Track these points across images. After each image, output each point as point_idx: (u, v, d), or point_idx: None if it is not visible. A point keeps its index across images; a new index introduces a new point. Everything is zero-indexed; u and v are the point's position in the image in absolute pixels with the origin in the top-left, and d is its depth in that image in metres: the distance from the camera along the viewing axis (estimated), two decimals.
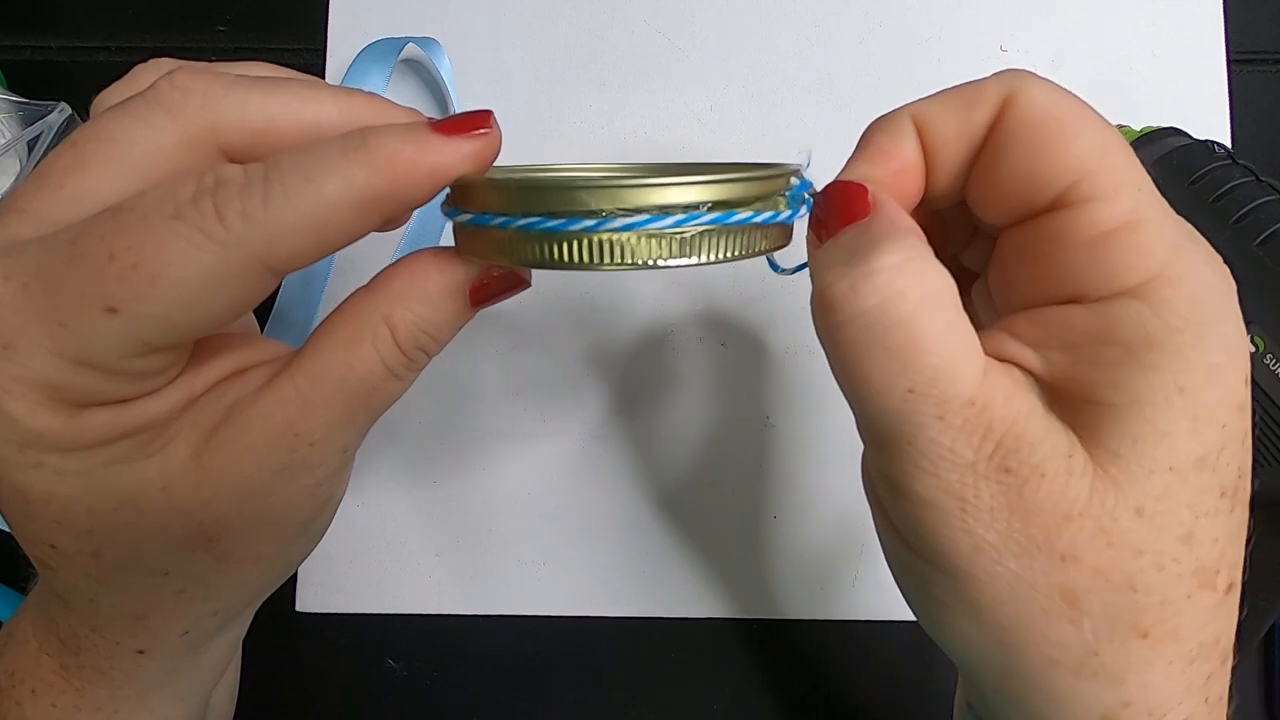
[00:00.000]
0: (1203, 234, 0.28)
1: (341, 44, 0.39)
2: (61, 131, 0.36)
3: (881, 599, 0.35)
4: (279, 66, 0.23)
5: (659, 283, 0.37)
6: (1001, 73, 0.19)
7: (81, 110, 0.37)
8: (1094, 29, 0.39)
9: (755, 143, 0.38)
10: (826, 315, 0.18)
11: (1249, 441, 0.18)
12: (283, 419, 0.19)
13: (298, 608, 0.36)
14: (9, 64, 0.39)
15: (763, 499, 0.36)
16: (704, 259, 0.19)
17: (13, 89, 0.38)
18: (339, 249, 0.19)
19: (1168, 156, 0.31)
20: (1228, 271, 0.18)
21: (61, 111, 0.36)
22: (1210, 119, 0.38)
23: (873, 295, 0.17)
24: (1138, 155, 0.34)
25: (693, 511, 0.36)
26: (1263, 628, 0.29)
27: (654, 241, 0.18)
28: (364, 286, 0.20)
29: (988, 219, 0.20)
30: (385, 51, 0.38)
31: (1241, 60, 0.39)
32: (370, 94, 0.21)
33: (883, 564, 0.25)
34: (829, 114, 0.38)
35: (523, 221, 0.19)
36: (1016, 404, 0.17)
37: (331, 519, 0.24)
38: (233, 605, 0.22)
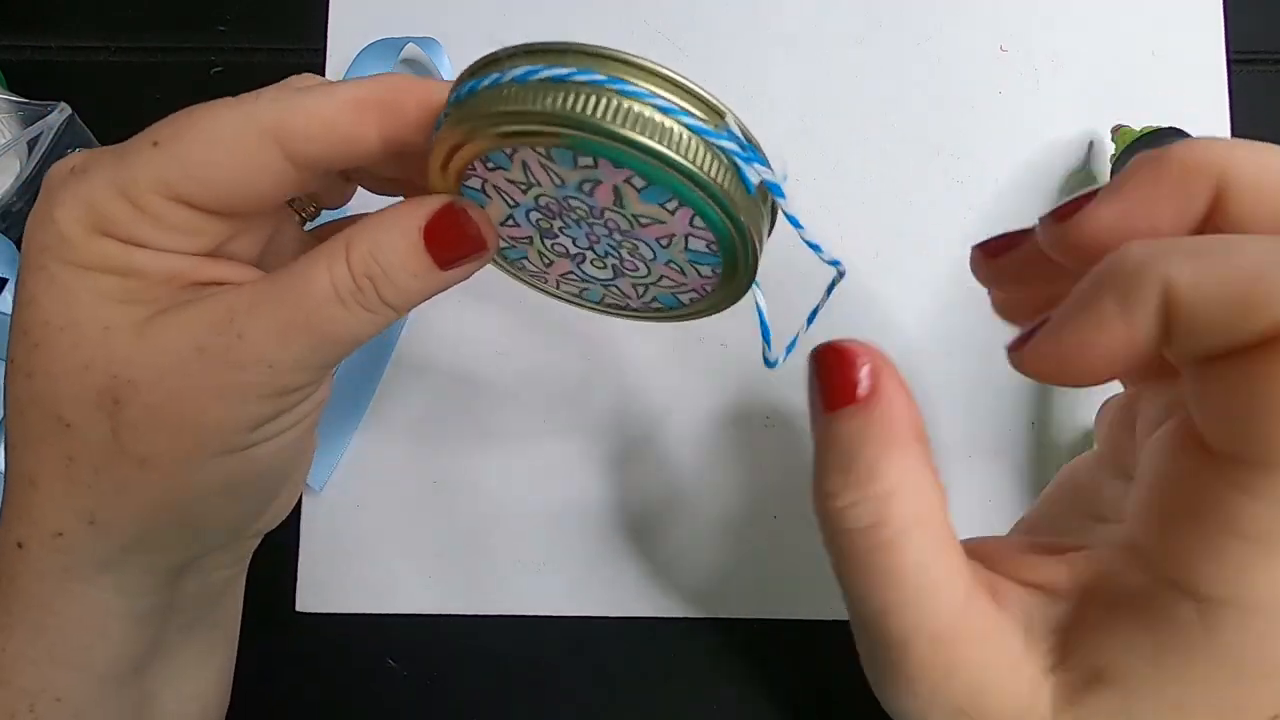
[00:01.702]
0: None
1: (341, 44, 0.39)
2: (61, 131, 0.36)
3: None
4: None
5: None
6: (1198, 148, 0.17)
7: (82, 110, 0.37)
8: (1094, 29, 0.39)
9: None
10: (820, 520, 0.18)
11: None
12: (226, 305, 0.21)
13: (298, 608, 0.36)
14: (9, 64, 0.39)
15: (763, 499, 0.36)
16: (691, 159, 0.19)
17: (13, 89, 0.38)
18: (347, 155, 0.21)
19: None
20: None
21: (61, 111, 0.36)
22: (1210, 119, 0.38)
23: (862, 520, 0.17)
24: (1137, 155, 0.34)
25: (693, 511, 0.36)
26: None
27: (659, 119, 0.19)
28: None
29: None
30: (385, 51, 0.38)
31: (1241, 60, 0.39)
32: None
33: None
34: (829, 114, 0.38)
35: (538, 70, 0.19)
36: (987, 645, 0.17)
37: (269, 498, 0.24)
38: (110, 516, 0.22)
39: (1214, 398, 0.16)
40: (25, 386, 0.21)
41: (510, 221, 0.23)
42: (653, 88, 0.19)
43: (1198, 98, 0.38)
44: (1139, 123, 0.35)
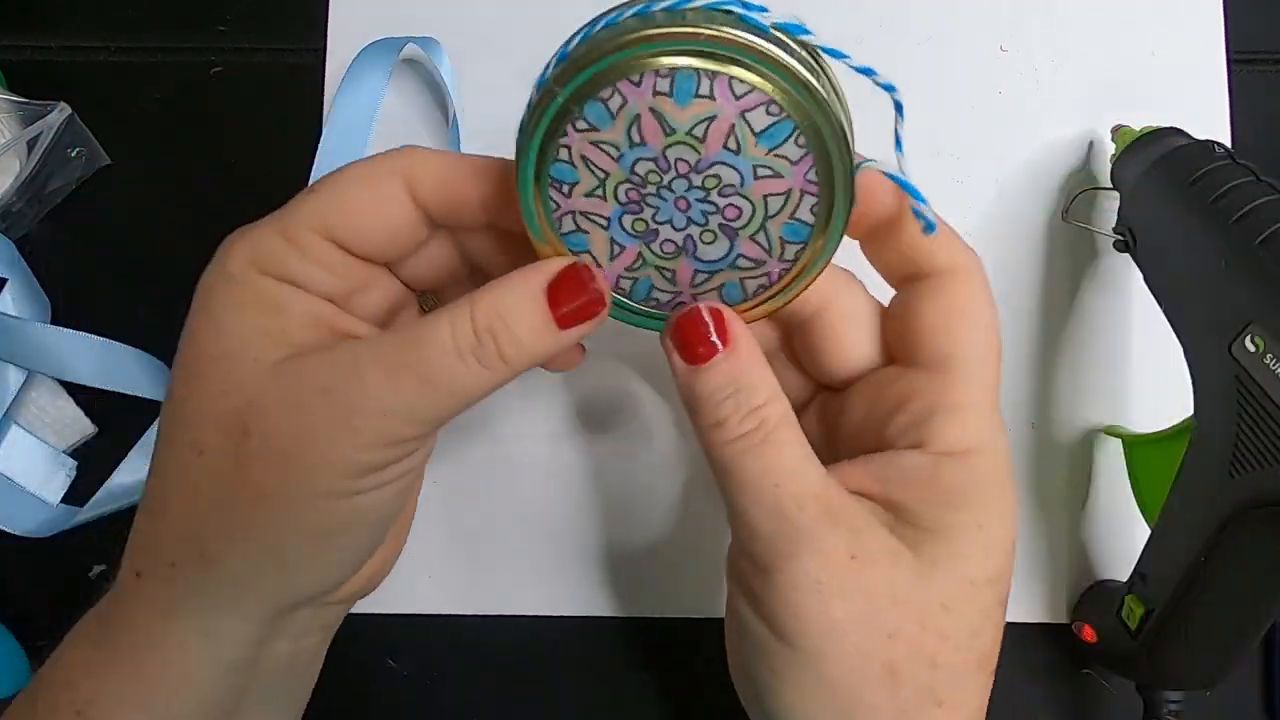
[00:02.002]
0: (1202, 234, 0.28)
1: (341, 44, 0.39)
2: (61, 131, 0.36)
3: None
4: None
5: None
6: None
7: (82, 110, 0.37)
8: (1094, 29, 0.39)
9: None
10: (715, 433, 0.23)
11: (1014, 554, 0.24)
12: (352, 352, 0.22)
13: None
14: (9, 64, 0.39)
15: None
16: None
17: (13, 89, 0.38)
18: (456, 205, 0.24)
19: (1168, 156, 0.31)
20: (1007, 442, 0.24)
21: (61, 111, 0.36)
22: (1210, 119, 0.38)
23: (750, 422, 0.23)
24: (1138, 155, 0.34)
25: (693, 511, 0.36)
26: (1263, 628, 0.29)
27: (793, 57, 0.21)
28: None
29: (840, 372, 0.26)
30: (385, 51, 0.38)
31: (1241, 60, 0.39)
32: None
33: None
34: None
35: None
36: (856, 505, 0.23)
37: (364, 555, 0.25)
38: (220, 551, 0.22)
39: (913, 313, 0.25)
40: (175, 413, 0.23)
41: (597, 193, 0.22)
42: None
43: (1198, 98, 0.38)
44: (1139, 123, 0.34)
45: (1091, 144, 0.38)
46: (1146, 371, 0.37)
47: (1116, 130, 0.35)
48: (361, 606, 0.36)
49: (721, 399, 0.23)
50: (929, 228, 0.24)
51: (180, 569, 0.22)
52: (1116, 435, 0.36)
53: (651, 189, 0.22)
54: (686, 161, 0.21)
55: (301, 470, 0.21)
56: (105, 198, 0.38)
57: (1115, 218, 0.34)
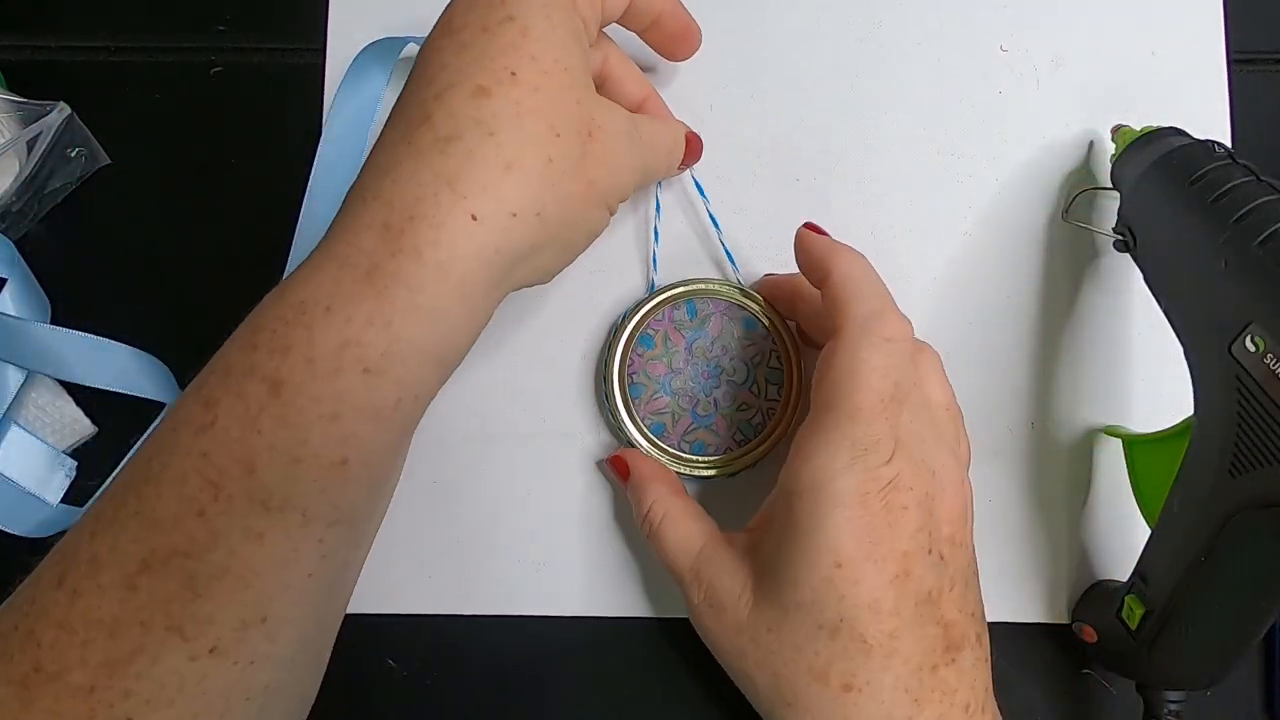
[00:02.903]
0: (1203, 234, 0.28)
1: (341, 44, 0.39)
2: (61, 131, 0.36)
3: None
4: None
5: (661, 283, 0.37)
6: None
7: (82, 110, 0.37)
8: (1094, 29, 0.39)
9: (755, 142, 0.38)
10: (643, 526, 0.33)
11: (832, 587, 0.27)
12: (629, 116, 0.31)
13: None
14: (9, 64, 0.39)
15: (763, 499, 0.36)
16: None
17: (13, 89, 0.38)
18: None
19: (1168, 156, 0.31)
20: (844, 488, 0.27)
21: (61, 111, 0.36)
22: (1210, 119, 0.38)
23: (647, 524, 0.33)
24: (1138, 155, 0.34)
25: None
26: (1263, 628, 0.29)
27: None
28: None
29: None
30: (385, 52, 0.38)
31: (1241, 60, 0.39)
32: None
33: None
34: (829, 114, 0.38)
35: None
36: (713, 567, 0.30)
37: None
38: (551, 214, 0.26)
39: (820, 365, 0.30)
40: (530, 98, 0.26)
41: (658, 396, 0.35)
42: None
43: (1198, 98, 0.38)
44: (1139, 123, 0.34)
45: (1091, 144, 0.38)
46: (1146, 371, 0.37)
47: (1116, 130, 0.35)
48: (361, 606, 0.36)
49: (637, 510, 0.33)
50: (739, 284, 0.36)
51: (519, 221, 0.25)
52: (1116, 435, 0.36)
53: (681, 373, 0.35)
54: (700, 344, 0.36)
55: (610, 182, 0.28)
56: (105, 198, 0.38)
57: (1115, 218, 0.34)
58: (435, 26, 0.27)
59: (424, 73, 0.26)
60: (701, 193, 0.37)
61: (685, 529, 0.31)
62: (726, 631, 0.29)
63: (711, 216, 0.37)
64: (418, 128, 0.25)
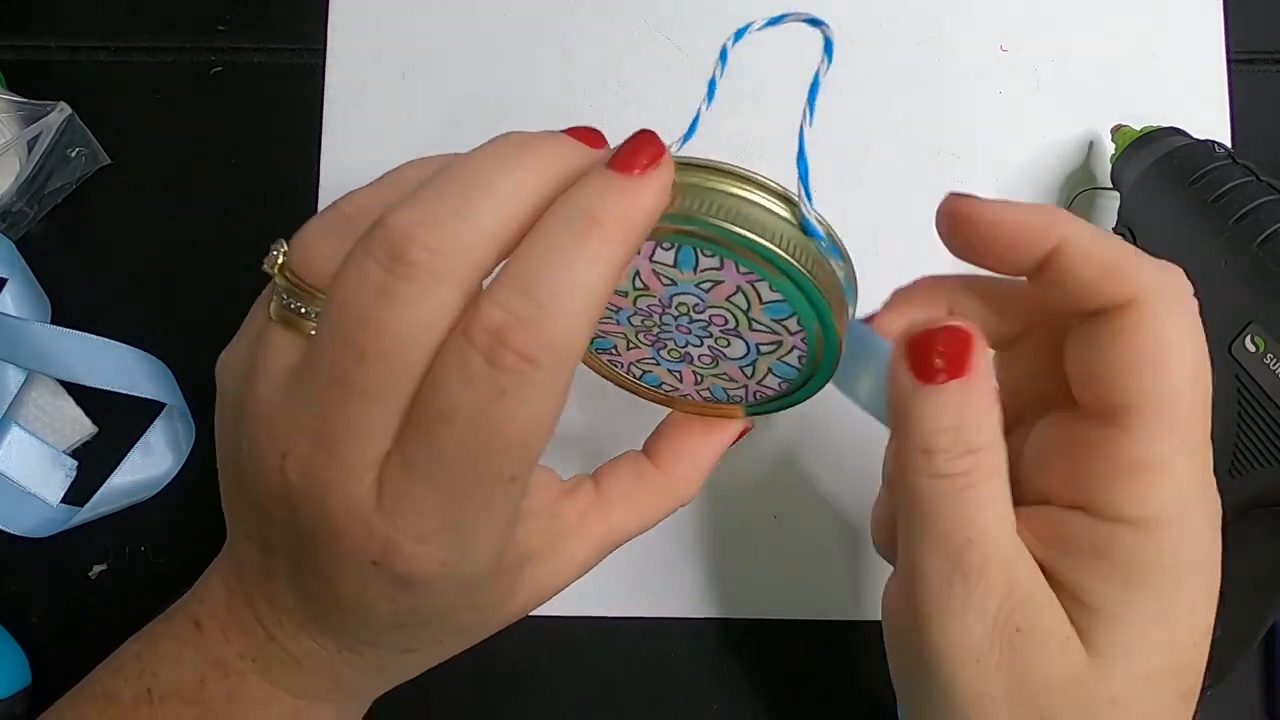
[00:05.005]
0: (1202, 234, 0.28)
1: (341, 44, 0.39)
2: (61, 131, 0.36)
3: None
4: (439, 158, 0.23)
5: None
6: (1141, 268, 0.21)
7: (82, 110, 0.37)
8: (1094, 29, 0.39)
9: (755, 143, 0.38)
10: (919, 460, 0.21)
11: (1207, 644, 0.21)
12: (583, 557, 0.25)
13: None
14: (9, 64, 0.39)
15: (763, 499, 0.36)
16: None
17: (13, 89, 0.38)
18: None
19: (1168, 156, 0.31)
20: (1218, 511, 0.21)
21: (61, 111, 0.36)
22: (1210, 119, 0.38)
23: (962, 464, 0.20)
24: (1138, 155, 0.34)
25: (692, 511, 0.36)
26: (1263, 628, 0.29)
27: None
28: (656, 463, 0.26)
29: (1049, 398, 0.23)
30: None
31: (1241, 60, 0.39)
32: (551, 136, 0.21)
33: (881, 563, 0.25)
34: (829, 114, 0.38)
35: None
36: (1036, 575, 0.21)
37: None
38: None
39: (1087, 354, 0.21)
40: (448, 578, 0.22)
41: (608, 321, 0.25)
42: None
43: (1198, 98, 0.38)
44: (1139, 123, 0.34)
45: (1091, 144, 0.38)
46: None
47: (1116, 130, 0.35)
48: None
49: (939, 428, 0.20)
50: (810, 231, 0.22)
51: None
52: None
53: (656, 315, 0.24)
54: (695, 300, 0.23)
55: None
56: (105, 198, 0.38)
57: (1115, 218, 0.34)
58: None
59: None
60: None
61: (1009, 501, 0.21)
62: (1033, 678, 0.20)
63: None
64: None
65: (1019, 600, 0.20)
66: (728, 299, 0.22)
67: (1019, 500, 0.21)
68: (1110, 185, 0.35)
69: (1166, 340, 0.20)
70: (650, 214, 0.19)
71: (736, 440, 0.27)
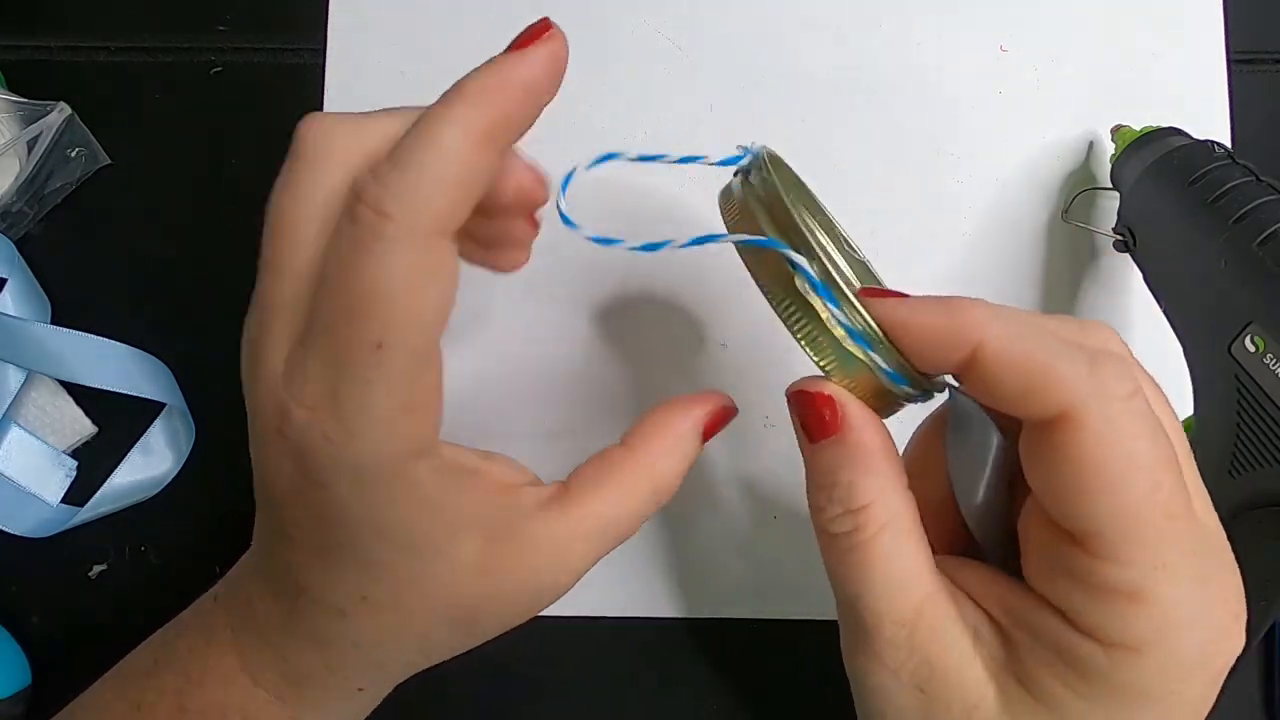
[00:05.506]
0: (1203, 234, 0.28)
1: (341, 44, 0.39)
2: (61, 131, 0.36)
3: None
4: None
5: (659, 284, 0.37)
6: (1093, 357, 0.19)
7: (82, 110, 0.37)
8: (1094, 29, 0.39)
9: (753, 143, 0.38)
10: (814, 516, 0.22)
11: None
12: (553, 549, 0.23)
13: None
14: (9, 64, 0.39)
15: (763, 499, 0.36)
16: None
17: (13, 89, 0.38)
18: (484, 191, 0.22)
19: (1168, 156, 0.31)
20: (1237, 631, 0.20)
21: (61, 111, 0.36)
22: (1210, 119, 0.38)
23: (845, 524, 0.21)
24: (1138, 155, 0.34)
25: (692, 511, 0.36)
26: (1263, 628, 0.29)
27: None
28: (623, 446, 0.25)
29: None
30: None
31: (1241, 60, 0.39)
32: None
33: None
34: (829, 114, 0.38)
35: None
36: (943, 637, 0.20)
37: None
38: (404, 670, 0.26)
39: (1036, 465, 0.19)
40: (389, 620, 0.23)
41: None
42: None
43: (1198, 98, 0.38)
44: (1139, 123, 0.34)
45: (1091, 144, 0.38)
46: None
47: (1116, 130, 0.35)
48: None
49: (820, 485, 0.21)
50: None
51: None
52: None
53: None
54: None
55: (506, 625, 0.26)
56: (105, 198, 0.38)
57: (1115, 218, 0.34)
58: None
59: None
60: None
61: (912, 560, 0.21)
62: None
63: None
64: None
65: (920, 661, 0.20)
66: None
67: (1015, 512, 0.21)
68: (1110, 185, 0.35)
69: (1110, 454, 0.18)
70: (517, 84, 0.21)
71: (717, 423, 0.25)
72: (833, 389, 0.21)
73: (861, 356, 0.21)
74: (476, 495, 0.23)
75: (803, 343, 0.22)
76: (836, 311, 0.21)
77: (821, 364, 0.22)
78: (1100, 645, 0.19)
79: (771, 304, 0.22)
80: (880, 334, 0.21)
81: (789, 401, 0.22)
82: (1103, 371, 0.18)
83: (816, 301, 0.21)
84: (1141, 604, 0.18)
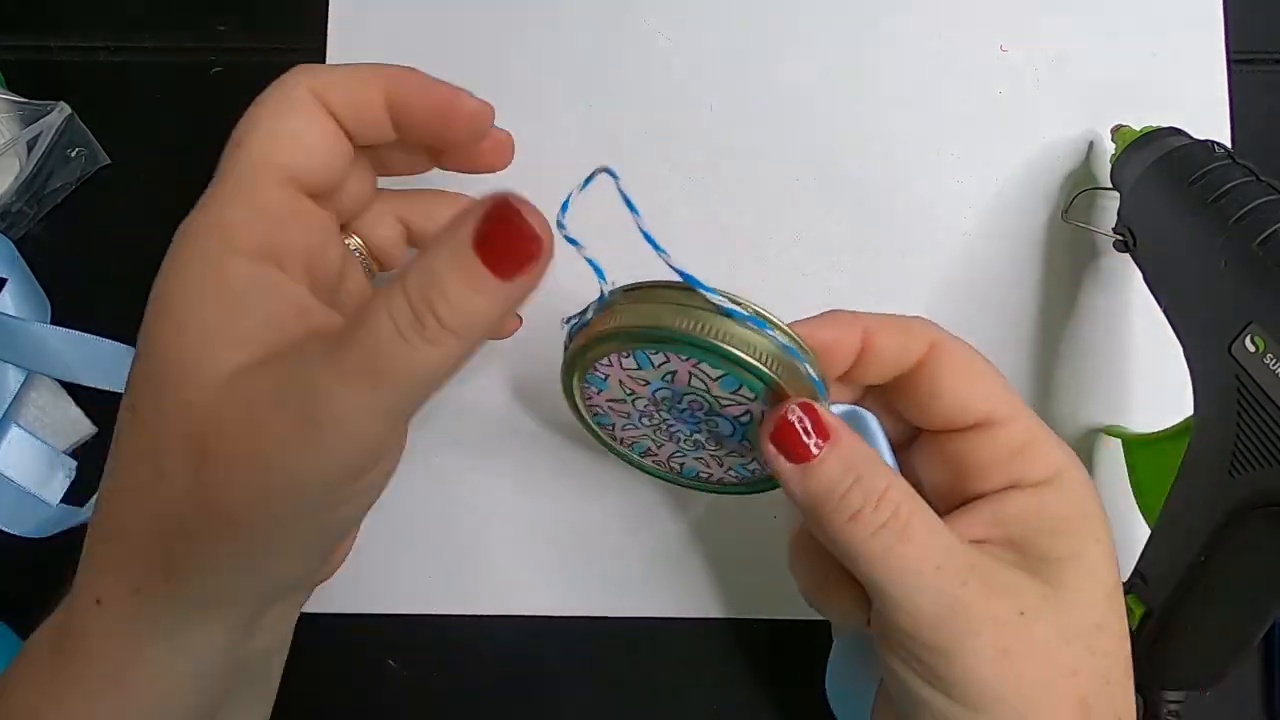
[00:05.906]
0: (1202, 234, 0.28)
1: (341, 44, 0.39)
2: (61, 131, 0.36)
3: None
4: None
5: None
6: (921, 322, 0.25)
7: (82, 110, 0.37)
8: (1094, 29, 0.39)
9: (754, 143, 0.38)
10: (852, 528, 0.22)
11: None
12: (301, 356, 0.20)
13: None
14: (9, 64, 0.39)
15: (763, 499, 0.36)
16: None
17: (13, 89, 0.38)
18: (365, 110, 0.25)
19: (1168, 156, 0.31)
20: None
21: (61, 111, 0.36)
22: (1210, 119, 0.38)
23: (885, 509, 0.22)
24: (1138, 155, 0.34)
25: (693, 511, 0.36)
26: (1263, 628, 0.29)
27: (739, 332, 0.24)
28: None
29: (920, 424, 0.26)
30: None
31: (1241, 60, 0.39)
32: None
33: None
34: (828, 114, 0.38)
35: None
36: (997, 562, 0.23)
37: (336, 548, 0.26)
38: (188, 573, 0.21)
39: (932, 403, 0.25)
40: (132, 429, 0.21)
41: (630, 427, 0.29)
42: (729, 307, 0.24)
43: (1198, 98, 0.38)
44: (1139, 123, 0.34)
45: (1091, 144, 0.38)
46: (1146, 371, 0.37)
47: (1116, 130, 0.35)
48: (362, 606, 0.36)
49: (843, 490, 0.22)
50: (727, 312, 0.24)
51: (145, 594, 0.21)
52: (1116, 435, 0.36)
53: (661, 411, 0.27)
54: (668, 398, 0.26)
55: (269, 494, 0.20)
56: (105, 198, 0.38)
57: (1115, 218, 0.34)
58: None
59: None
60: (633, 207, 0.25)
61: (938, 519, 0.23)
62: (1047, 640, 0.23)
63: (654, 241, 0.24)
64: None
65: (1004, 592, 0.23)
66: (689, 384, 0.25)
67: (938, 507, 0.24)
68: (1110, 185, 0.35)
69: (973, 356, 0.25)
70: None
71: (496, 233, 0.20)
72: (800, 401, 0.23)
73: (802, 368, 0.24)
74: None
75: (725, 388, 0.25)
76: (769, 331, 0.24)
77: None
78: (1046, 484, 0.24)
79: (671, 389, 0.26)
80: (801, 344, 0.24)
81: (772, 441, 0.23)
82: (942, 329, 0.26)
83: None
84: (1048, 439, 0.25)
